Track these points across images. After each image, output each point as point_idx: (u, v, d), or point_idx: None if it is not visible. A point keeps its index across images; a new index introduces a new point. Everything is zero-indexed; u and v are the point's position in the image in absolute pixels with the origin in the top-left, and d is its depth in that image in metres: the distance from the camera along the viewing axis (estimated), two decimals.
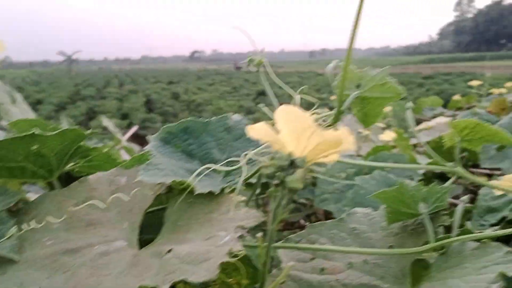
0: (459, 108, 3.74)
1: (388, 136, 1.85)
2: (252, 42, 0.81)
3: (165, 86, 29.28)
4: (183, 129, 0.70)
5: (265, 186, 0.54)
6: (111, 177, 0.70)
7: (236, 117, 0.74)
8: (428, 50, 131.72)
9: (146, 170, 0.60)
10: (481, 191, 1.22)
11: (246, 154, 0.56)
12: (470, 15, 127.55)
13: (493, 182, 1.01)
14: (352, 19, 0.56)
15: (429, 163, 1.49)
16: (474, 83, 2.90)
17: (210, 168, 0.59)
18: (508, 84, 3.45)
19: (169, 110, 17.08)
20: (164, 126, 0.70)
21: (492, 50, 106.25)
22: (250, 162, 0.60)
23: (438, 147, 1.64)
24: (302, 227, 2.15)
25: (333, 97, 0.77)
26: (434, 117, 3.76)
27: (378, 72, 0.60)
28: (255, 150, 0.59)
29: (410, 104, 0.66)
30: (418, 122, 3.84)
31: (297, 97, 0.70)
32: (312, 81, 31.57)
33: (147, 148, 0.65)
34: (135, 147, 3.03)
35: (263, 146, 0.59)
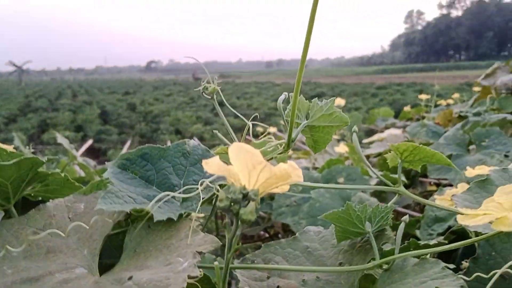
0: (410, 119, 3.88)
1: (342, 148, 1.93)
2: (204, 67, 0.84)
3: (121, 97, 28.78)
4: (141, 155, 0.72)
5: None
6: (69, 204, 0.71)
7: (193, 142, 0.76)
8: (381, 61, 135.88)
9: (105, 198, 0.61)
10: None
11: (203, 182, 0.59)
12: (419, 27, 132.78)
13: (435, 198, 1.08)
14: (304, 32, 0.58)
15: (380, 175, 1.56)
16: (423, 96, 3.04)
17: (168, 195, 0.61)
18: (455, 95, 3.61)
19: (125, 122, 16.77)
20: (122, 153, 0.72)
21: (441, 61, 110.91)
22: (207, 187, 0.63)
23: (385, 163, 1.72)
24: (262, 239, 2.18)
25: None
26: (387, 127, 3.90)
27: (326, 102, 0.64)
28: (211, 178, 0.62)
29: (355, 128, 0.70)
30: (372, 132, 3.97)
31: (250, 124, 0.73)
32: (270, 91, 31.87)
33: (105, 175, 0.67)
34: (90, 162, 2.98)
35: None
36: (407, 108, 3.99)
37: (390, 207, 0.65)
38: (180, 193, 0.64)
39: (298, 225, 1.49)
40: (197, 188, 0.61)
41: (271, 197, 1.65)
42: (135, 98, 26.70)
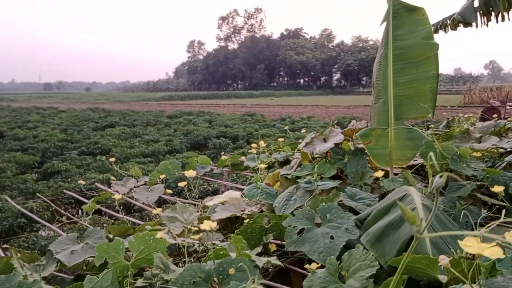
0: (226, 166, 4.23)
1: (207, 225, 1.99)
2: None
3: None
4: None
5: None
6: None
7: None
8: (167, 87, 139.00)
9: None
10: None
11: None
12: (201, 57, 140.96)
13: None
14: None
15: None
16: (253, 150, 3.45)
17: None
18: (262, 143, 4.07)
19: None
20: None
21: (221, 89, 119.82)
22: None
23: (246, 230, 1.98)
24: None
25: None
26: (205, 175, 4.19)
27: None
28: None
29: None
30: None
31: None
32: (56, 119, 29.54)
33: None
34: None
35: None
36: (224, 157, 4.34)
37: None
38: None
39: None
40: None
41: None
42: None
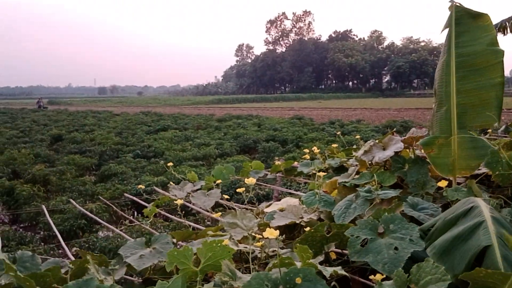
0: (279, 171, 4.24)
1: (270, 233, 2.01)
2: None
3: None
4: None
5: None
6: None
7: None
8: (215, 91, 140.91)
9: None
10: None
11: None
12: (249, 60, 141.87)
13: None
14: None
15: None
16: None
17: None
18: (316, 149, 4.05)
19: None
20: None
21: (269, 92, 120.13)
22: None
23: (307, 238, 1.99)
24: None
25: None
26: (258, 179, 4.22)
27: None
28: None
29: None
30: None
31: None
32: (110, 122, 30.58)
33: None
34: None
35: None
36: (277, 162, 4.36)
37: None
38: None
39: None
40: None
41: None
42: None
